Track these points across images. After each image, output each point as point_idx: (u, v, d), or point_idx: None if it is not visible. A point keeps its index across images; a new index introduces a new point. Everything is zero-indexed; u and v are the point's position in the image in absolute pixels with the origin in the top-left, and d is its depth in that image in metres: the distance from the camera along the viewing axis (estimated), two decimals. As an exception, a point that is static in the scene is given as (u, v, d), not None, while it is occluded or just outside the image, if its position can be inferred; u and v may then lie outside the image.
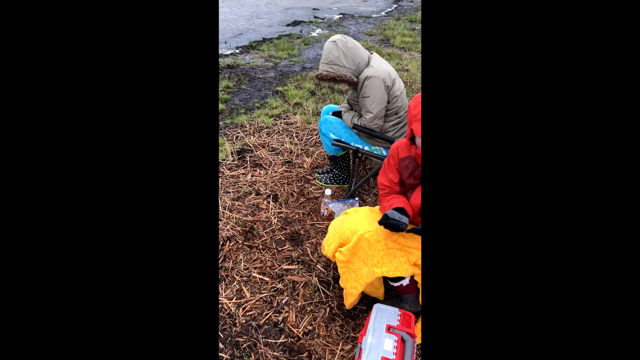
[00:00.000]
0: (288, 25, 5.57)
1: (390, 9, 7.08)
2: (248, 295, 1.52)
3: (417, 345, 1.32)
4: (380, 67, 1.76)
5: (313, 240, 1.82)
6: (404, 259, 1.23)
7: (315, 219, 1.96)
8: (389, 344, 1.18)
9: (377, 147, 1.92)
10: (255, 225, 1.87)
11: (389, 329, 1.23)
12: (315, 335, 1.39)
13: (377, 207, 1.51)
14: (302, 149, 2.51)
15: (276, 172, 2.28)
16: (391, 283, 1.38)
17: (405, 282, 1.34)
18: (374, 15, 6.49)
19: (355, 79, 1.77)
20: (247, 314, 1.45)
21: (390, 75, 1.77)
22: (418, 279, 1.30)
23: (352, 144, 1.94)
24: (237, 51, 4.36)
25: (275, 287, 1.56)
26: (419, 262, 1.25)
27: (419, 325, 1.37)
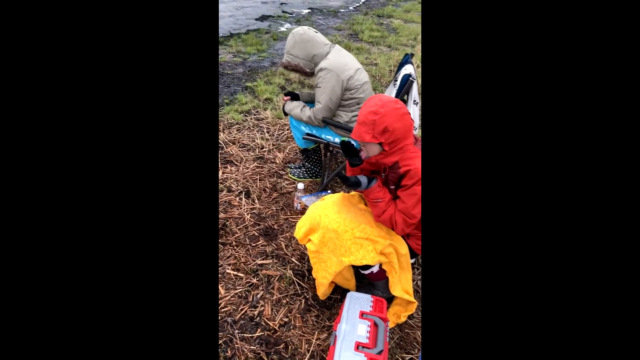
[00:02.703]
0: (256, 19, 5.49)
1: (358, 4, 7.14)
2: (222, 292, 1.51)
3: (389, 328, 1.37)
4: (337, 60, 1.80)
5: (287, 234, 1.83)
6: (370, 247, 1.27)
7: (288, 214, 1.97)
8: (363, 329, 1.22)
9: (347, 139, 1.95)
10: (227, 222, 1.86)
11: (362, 315, 1.27)
12: (291, 327, 1.41)
13: (353, 194, 1.55)
14: (273, 144, 2.51)
15: (248, 168, 2.26)
16: (362, 271, 1.42)
17: (374, 270, 1.38)
18: (342, 10, 6.52)
19: (308, 70, 1.84)
20: (222, 310, 1.44)
21: (348, 68, 1.80)
22: (386, 267, 1.34)
23: (322, 136, 1.96)
24: (204, 47, 4.25)
25: (250, 282, 1.56)
26: (385, 250, 1.29)
27: (391, 309, 1.42)
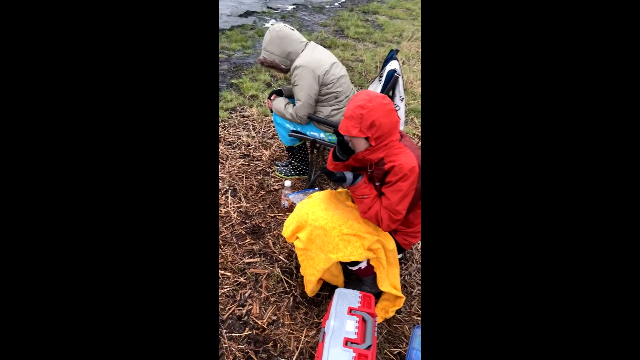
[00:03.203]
0: (240, 15, 5.42)
1: (343, 0, 7.12)
2: (210, 291, 1.49)
3: (377, 323, 1.37)
4: (311, 56, 1.80)
5: (274, 232, 1.82)
6: (358, 244, 1.27)
7: (276, 211, 1.95)
8: (351, 325, 1.22)
9: (332, 134, 1.95)
10: (214, 221, 1.83)
11: (351, 310, 1.27)
12: (280, 325, 1.40)
13: (340, 190, 1.55)
14: (259, 142, 2.48)
15: (234, 166, 2.23)
16: (350, 268, 1.42)
17: (362, 266, 1.38)
18: (327, 6, 6.49)
19: (284, 67, 1.85)
20: (210, 310, 1.43)
21: (323, 63, 1.80)
22: (373, 262, 1.35)
23: (308, 133, 1.95)
24: (187, 43, 4.16)
25: (237, 281, 1.55)
26: (373, 246, 1.30)
27: (379, 305, 1.43)
